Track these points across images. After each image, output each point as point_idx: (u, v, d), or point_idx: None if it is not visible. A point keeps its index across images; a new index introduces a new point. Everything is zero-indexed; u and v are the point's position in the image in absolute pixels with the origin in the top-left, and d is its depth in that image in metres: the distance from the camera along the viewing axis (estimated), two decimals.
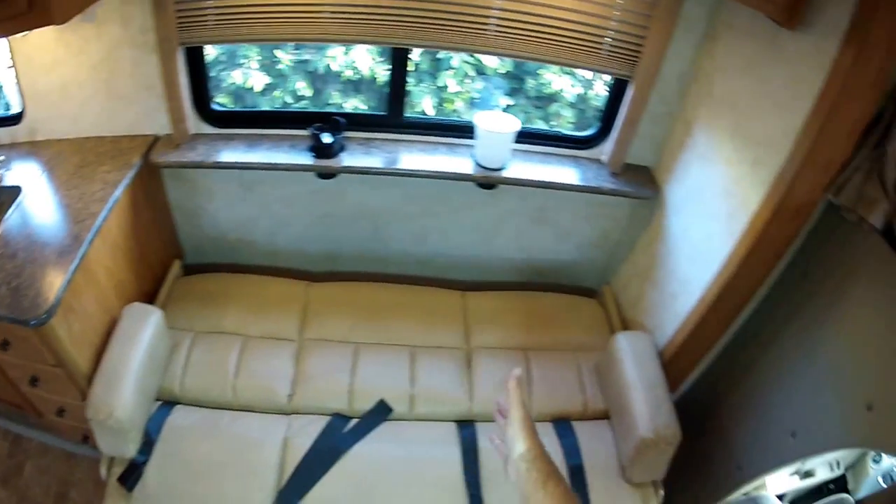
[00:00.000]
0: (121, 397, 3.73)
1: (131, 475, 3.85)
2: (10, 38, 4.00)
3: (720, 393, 4.04)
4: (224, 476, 3.88)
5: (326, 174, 4.62)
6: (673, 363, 4.22)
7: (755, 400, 3.71)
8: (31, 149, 4.42)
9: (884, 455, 3.45)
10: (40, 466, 4.78)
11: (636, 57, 4.02)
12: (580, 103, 6.06)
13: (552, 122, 6.09)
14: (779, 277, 3.58)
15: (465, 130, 4.64)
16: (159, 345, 4.20)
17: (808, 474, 3.70)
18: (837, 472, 3.68)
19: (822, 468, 3.68)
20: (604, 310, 5.18)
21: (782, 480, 3.72)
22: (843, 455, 3.59)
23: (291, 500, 3.82)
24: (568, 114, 6.05)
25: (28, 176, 4.18)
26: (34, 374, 3.89)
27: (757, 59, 3.50)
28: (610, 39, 3.98)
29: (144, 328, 4.07)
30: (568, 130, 5.49)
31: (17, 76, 4.22)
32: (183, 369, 4.33)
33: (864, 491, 3.58)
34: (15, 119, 4.44)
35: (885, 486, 3.54)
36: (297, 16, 4.01)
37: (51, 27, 3.14)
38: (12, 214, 3.92)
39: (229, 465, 3.91)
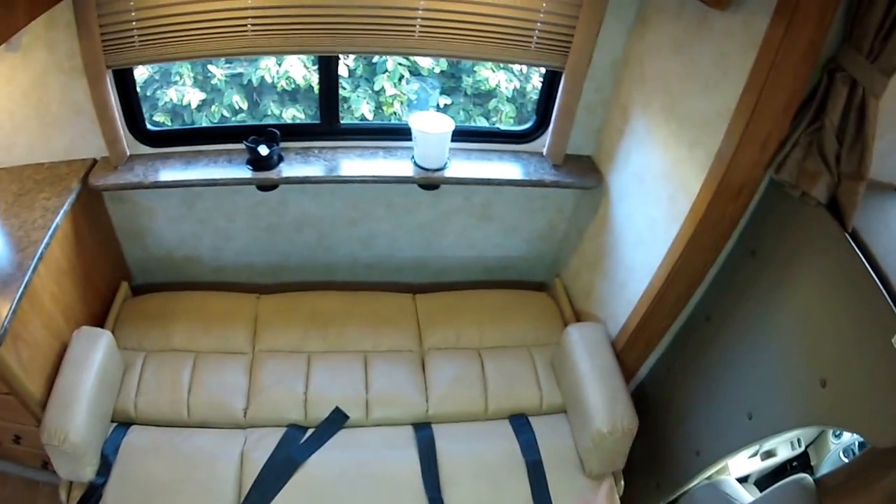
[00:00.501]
0: (74, 421, 3.72)
1: (90, 498, 3.83)
2: None
3: (676, 378, 4.04)
4: (183, 494, 3.86)
5: (267, 186, 4.61)
6: (627, 352, 4.23)
7: (710, 383, 3.71)
8: None
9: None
10: (2, 496, 4.74)
11: (566, 47, 4.02)
12: (519, 98, 6.08)
13: (492, 119, 6.11)
14: (728, 258, 3.59)
15: (402, 133, 4.63)
16: (111, 367, 4.18)
17: (769, 454, 3.72)
18: (798, 450, 3.70)
19: (783, 447, 3.70)
20: (555, 303, 5.18)
21: (744, 463, 3.73)
22: (804, 432, 3.61)
23: None
24: (507, 109, 6.07)
25: None
26: None
27: (686, 40, 3.51)
28: (538, 32, 3.98)
29: (95, 351, 4.05)
30: (508, 125, 5.51)
31: None
32: (136, 390, 4.30)
33: (826, 466, 3.60)
34: None
35: (846, 460, 3.56)
36: (221, 30, 4.00)
37: None
38: None
39: (187, 483, 3.89)
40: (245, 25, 3.96)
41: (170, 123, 6.23)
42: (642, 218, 4.07)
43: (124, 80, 4.30)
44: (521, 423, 4.32)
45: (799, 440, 3.67)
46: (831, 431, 3.54)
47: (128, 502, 3.83)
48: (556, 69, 4.16)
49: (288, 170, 4.45)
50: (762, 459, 3.72)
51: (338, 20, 3.97)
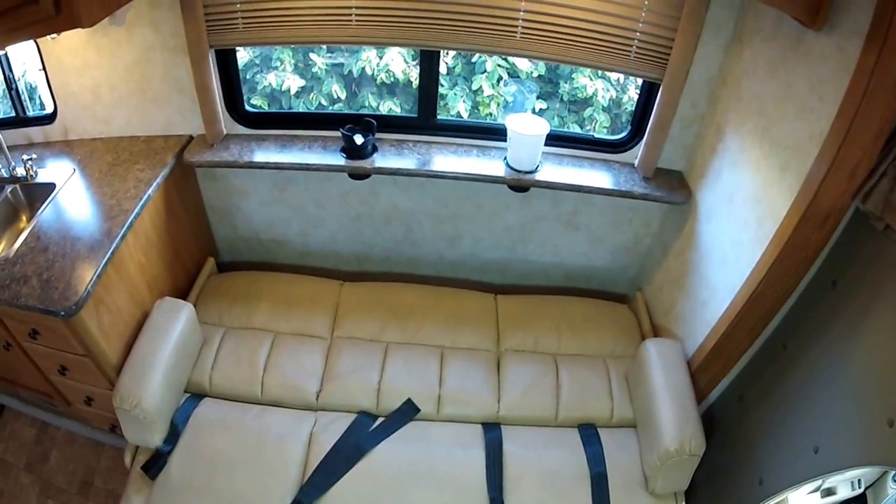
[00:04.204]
0: (148, 388, 3.81)
1: (155, 464, 3.92)
2: (39, 41, 4.11)
3: (746, 404, 3.97)
4: (247, 469, 3.92)
5: (359, 175, 4.65)
6: (701, 373, 4.18)
7: (780, 413, 3.64)
8: (65, 147, 4.55)
9: None
10: (66, 454, 4.87)
11: (664, 59, 3.99)
12: (614, 108, 6.04)
13: (587, 127, 6.08)
14: (808, 286, 3.50)
15: (497, 133, 4.65)
16: (190, 338, 4.27)
17: (829, 492, 3.67)
18: (858, 491, 3.65)
19: (844, 486, 3.63)
20: (635, 316, 5.14)
21: (803, 498, 3.68)
22: (865, 473, 3.55)
23: (313, 496, 3.86)
24: (602, 118, 6.04)
25: (62, 173, 4.29)
26: (63, 364, 3.97)
27: (782, 62, 3.46)
28: (637, 42, 3.97)
29: (175, 322, 4.15)
30: (601, 134, 5.48)
31: (47, 78, 4.34)
32: (213, 363, 4.40)
33: None
34: (48, 119, 4.57)
35: None
36: (325, 19, 4.06)
37: (81, 31, 3.22)
38: (45, 210, 4.03)
39: (253, 459, 3.95)
40: (350, 15, 4.03)
41: (267, 107, 6.31)
42: (728, 239, 4.02)
43: (226, 61, 4.41)
44: (589, 434, 4.30)
45: (859, 481, 3.60)
46: (891, 475, 3.48)
47: (192, 472, 3.90)
48: (654, 81, 4.14)
49: (381, 160, 4.50)
50: (822, 496, 3.66)
51: (441, 16, 4.00)
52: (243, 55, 6.02)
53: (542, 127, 4.32)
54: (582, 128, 6.18)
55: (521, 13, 3.93)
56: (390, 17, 4.04)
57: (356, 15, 4.03)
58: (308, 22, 4.07)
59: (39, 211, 4.03)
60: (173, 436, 4.00)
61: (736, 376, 4.05)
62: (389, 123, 4.75)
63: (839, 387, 3.17)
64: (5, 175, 4.23)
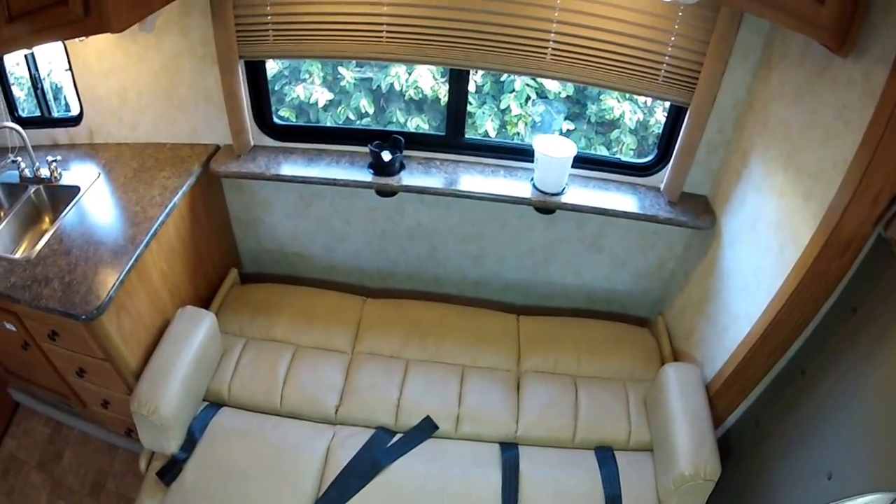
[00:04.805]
0: (166, 394, 3.82)
1: (170, 470, 3.93)
2: (67, 42, 4.15)
3: (762, 429, 3.94)
4: (262, 480, 3.92)
5: (385, 192, 4.66)
6: (719, 398, 4.15)
7: (795, 438, 3.60)
8: (90, 150, 4.58)
9: None
10: (79, 455, 4.89)
11: (693, 84, 3.99)
12: (641, 130, 6.03)
13: (613, 149, 6.07)
14: (828, 313, 3.46)
15: (524, 154, 4.64)
16: (210, 347, 4.28)
17: None
18: None
19: None
20: (656, 340, 5.11)
21: None
22: (877, 500, 3.53)
23: None
24: (629, 140, 6.03)
25: (86, 177, 4.32)
26: (81, 366, 4.01)
27: (809, 88, 3.44)
28: (666, 65, 3.97)
29: (196, 330, 4.16)
30: (628, 157, 5.47)
31: (74, 79, 4.38)
32: (232, 373, 4.41)
33: None
34: (74, 121, 4.61)
35: None
36: (356, 34, 4.08)
37: (109, 35, 3.23)
38: (69, 213, 4.06)
39: (269, 470, 3.95)
40: (381, 32, 4.05)
41: (294, 119, 6.33)
42: (750, 265, 4.00)
43: (255, 72, 4.43)
44: (605, 456, 4.28)
45: None
46: None
47: (207, 480, 3.90)
48: (682, 105, 4.14)
49: (408, 178, 4.50)
50: None
51: (472, 36, 4.02)
52: (272, 66, 6.05)
53: (570, 149, 4.33)
54: (609, 149, 6.18)
55: (552, 35, 3.94)
56: (421, 34, 4.05)
57: (387, 31, 4.05)
58: (339, 36, 4.10)
59: (63, 213, 4.06)
60: (190, 443, 4.01)
61: (753, 401, 4.02)
62: (417, 141, 4.75)
63: (854, 413, 3.14)
64: (29, 175, 4.28)
